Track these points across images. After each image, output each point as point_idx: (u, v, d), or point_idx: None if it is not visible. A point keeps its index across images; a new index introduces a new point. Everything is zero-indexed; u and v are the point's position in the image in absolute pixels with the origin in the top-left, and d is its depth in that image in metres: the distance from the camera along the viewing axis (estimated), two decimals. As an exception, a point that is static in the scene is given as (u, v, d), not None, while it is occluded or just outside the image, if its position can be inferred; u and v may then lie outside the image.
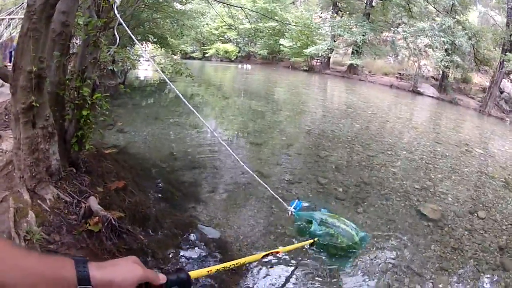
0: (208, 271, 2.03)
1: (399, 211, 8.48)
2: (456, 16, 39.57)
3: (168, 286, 1.39)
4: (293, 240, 6.53)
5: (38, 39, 4.32)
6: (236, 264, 2.49)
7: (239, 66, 50.32)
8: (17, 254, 1.06)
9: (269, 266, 5.68)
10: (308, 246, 4.63)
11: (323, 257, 6.07)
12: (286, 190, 8.75)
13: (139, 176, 8.12)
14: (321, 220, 5.32)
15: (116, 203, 5.73)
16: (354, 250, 5.85)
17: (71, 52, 5.96)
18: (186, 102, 4.85)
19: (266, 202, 7.92)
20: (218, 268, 2.15)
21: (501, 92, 35.68)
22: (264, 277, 5.50)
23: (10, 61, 14.24)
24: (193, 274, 1.80)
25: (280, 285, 5.44)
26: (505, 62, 32.83)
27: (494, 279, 6.58)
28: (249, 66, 49.92)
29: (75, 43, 7.82)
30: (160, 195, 7.65)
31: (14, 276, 1.00)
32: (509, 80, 37.82)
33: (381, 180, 10.22)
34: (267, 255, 3.12)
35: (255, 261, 3.55)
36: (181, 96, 5.31)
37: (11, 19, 12.81)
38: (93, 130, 6.04)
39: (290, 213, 5.22)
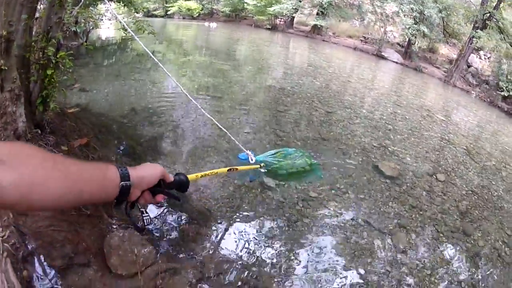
0: (196, 176, 2.28)
1: (357, 166, 8.41)
2: (427, -12, 39.67)
3: (173, 184, 1.79)
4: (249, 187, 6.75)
5: (9, 3, 4.41)
6: (212, 173, 2.84)
7: (206, 24, 49.88)
8: (70, 162, 1.28)
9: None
10: (262, 170, 4.55)
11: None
12: (244, 142, 8.30)
13: (101, 133, 8.07)
14: (272, 153, 5.20)
15: (79, 160, 5.50)
16: (306, 174, 5.74)
17: (36, 15, 5.77)
18: (152, 55, 4.82)
19: (226, 153, 7.94)
20: (202, 175, 2.50)
21: (469, 66, 36.07)
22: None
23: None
24: (190, 177, 2.00)
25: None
26: (474, 39, 33.17)
27: (454, 242, 6.57)
28: (214, 24, 49.51)
29: (40, 6, 7.66)
30: (121, 150, 7.64)
31: (74, 179, 1.23)
32: (478, 56, 38.24)
33: (339, 136, 10.15)
34: (230, 169, 3.15)
35: (222, 173, 3.81)
36: (147, 50, 5.49)
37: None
38: (57, 89, 6.05)
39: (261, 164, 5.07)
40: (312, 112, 11.97)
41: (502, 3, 34.11)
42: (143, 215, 1.73)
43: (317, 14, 49.11)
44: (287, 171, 4.97)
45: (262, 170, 4.76)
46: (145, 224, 1.73)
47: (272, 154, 5.16)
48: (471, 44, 34.00)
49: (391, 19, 44.39)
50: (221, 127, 5.42)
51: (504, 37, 33.78)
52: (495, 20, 33.62)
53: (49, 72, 5.53)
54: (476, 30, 33.46)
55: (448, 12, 39.42)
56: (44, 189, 1.11)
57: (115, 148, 7.60)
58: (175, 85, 13.73)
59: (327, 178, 7.45)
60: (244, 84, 15.13)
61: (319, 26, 47.92)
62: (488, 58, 38.39)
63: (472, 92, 31.66)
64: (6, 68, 4.49)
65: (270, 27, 51.94)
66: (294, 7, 49.64)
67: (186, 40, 32.85)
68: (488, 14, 33.58)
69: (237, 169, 3.67)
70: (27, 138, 5.13)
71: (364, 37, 45.88)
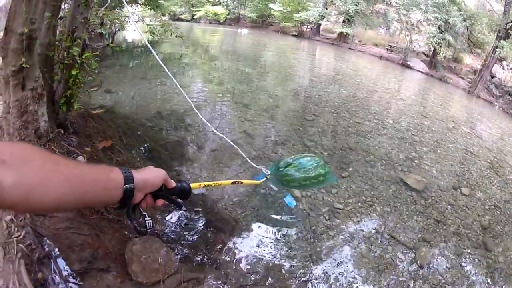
0: (199, 185, 2.31)
1: (383, 178, 8.42)
2: (452, -4, 39.49)
3: (174, 190, 1.83)
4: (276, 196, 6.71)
5: (31, 1, 4.28)
6: (216, 184, 2.84)
7: (238, 30, 49.89)
8: (72, 164, 1.31)
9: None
10: (265, 179, 4.57)
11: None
12: (271, 151, 8.71)
13: (126, 136, 8.08)
14: (286, 162, 5.24)
15: (103, 162, 5.70)
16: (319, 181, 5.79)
17: (61, 14, 5.83)
18: (159, 60, 4.65)
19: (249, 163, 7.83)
20: (206, 185, 2.55)
21: (492, 77, 35.82)
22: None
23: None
24: (192, 186, 2.03)
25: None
26: (497, 49, 32.95)
27: (476, 258, 6.54)
28: (246, 30, 49.59)
29: (65, 6, 7.75)
30: (146, 154, 7.68)
31: (76, 180, 1.26)
32: (501, 66, 37.96)
33: (366, 147, 10.13)
34: (234, 182, 3.22)
35: (226, 185, 3.85)
36: (156, 55, 5.32)
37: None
38: (81, 90, 6.06)
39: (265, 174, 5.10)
40: (340, 122, 11.98)
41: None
42: (145, 219, 1.77)
43: (343, 21, 49.22)
44: (300, 184, 5.01)
45: (270, 184, 4.80)
46: (147, 228, 1.79)
47: (286, 166, 5.19)
48: (494, 54, 33.79)
49: (416, 27, 44.26)
50: (232, 143, 5.40)
51: (527, 47, 33.54)
52: (518, 29, 33.42)
53: (74, 72, 5.56)
54: (500, 40, 33.24)
55: (472, 21, 39.22)
56: (44, 190, 1.15)
57: (140, 151, 7.66)
58: (203, 90, 13.86)
59: (354, 190, 7.48)
60: (270, 91, 15.16)
61: (345, 34, 48.00)
62: (511, 68, 38.14)
63: (496, 103, 31.41)
64: (28, 66, 4.49)
65: (296, 33, 52.11)
66: (320, 14, 49.73)
67: (213, 45, 32.78)
68: (510, 24, 33.36)
69: (241, 182, 3.71)
70: (49, 137, 5.15)
71: (390, 46, 45.76)
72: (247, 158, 4.86)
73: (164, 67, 4.74)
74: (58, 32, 5.67)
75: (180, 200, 1.97)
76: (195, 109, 5.10)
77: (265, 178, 4.55)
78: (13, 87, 4.51)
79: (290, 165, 5.02)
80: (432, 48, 40.93)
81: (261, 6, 59.16)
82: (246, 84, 16.06)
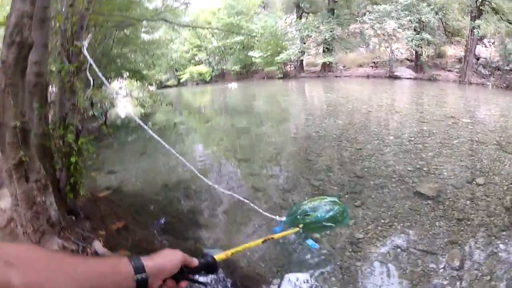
0: (225, 255, 2.20)
1: (397, 196, 8.43)
2: (420, -7, 39.91)
3: (198, 268, 1.72)
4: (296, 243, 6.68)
5: (17, 94, 4.33)
6: (245, 247, 2.71)
7: (228, 85, 50.28)
8: (78, 261, 1.29)
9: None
10: (300, 231, 4.56)
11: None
12: (282, 199, 8.77)
13: (137, 213, 8.17)
14: (304, 211, 5.23)
15: (120, 243, 5.79)
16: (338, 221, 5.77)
17: (49, 101, 5.93)
18: (154, 135, 4.78)
19: (264, 216, 7.79)
20: (233, 252, 2.38)
21: (477, 59, 36.00)
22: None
23: None
24: (218, 257, 1.96)
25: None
26: (475, 30, 33.17)
27: (507, 240, 6.51)
28: (235, 84, 50.00)
29: (52, 91, 7.89)
30: (161, 228, 7.64)
31: (82, 278, 1.22)
32: (483, 45, 38.13)
33: (373, 170, 10.17)
34: (265, 240, 3.21)
35: (257, 245, 3.83)
36: (149, 130, 5.34)
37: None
38: (84, 176, 6.07)
39: (280, 222, 5.13)
40: (342, 153, 12.08)
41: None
42: None
43: (324, 51, 49.82)
44: (324, 224, 4.99)
45: (301, 232, 4.84)
46: None
47: (302, 211, 5.18)
48: (473, 36, 34.03)
49: (394, 36, 44.48)
50: (243, 199, 5.45)
51: (500, 17, 33.77)
52: (487, 2, 33.67)
53: (73, 159, 5.59)
54: (474, 20, 33.50)
55: (444, 12, 39.51)
56: None
57: (154, 227, 7.66)
58: (204, 154, 14.15)
59: (370, 216, 7.51)
60: (269, 139, 15.43)
61: (328, 63, 48.53)
62: (492, 43, 38.34)
63: (488, 83, 31.61)
64: (28, 159, 4.52)
65: (282, 75, 52.60)
66: (300, 50, 50.37)
67: (205, 106, 33.65)
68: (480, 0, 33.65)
69: (273, 238, 3.72)
70: (62, 225, 5.13)
71: (374, 62, 46.15)
72: (261, 210, 5.01)
73: (161, 140, 4.88)
74: (50, 120, 5.79)
75: (204, 279, 1.91)
76: (199, 175, 5.21)
77: (297, 230, 4.58)
78: (17, 180, 4.55)
79: (306, 211, 5.05)
80: (414, 51, 41.18)
81: (241, 56, 59.87)
82: (244, 138, 16.35)
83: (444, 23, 40.98)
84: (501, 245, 6.35)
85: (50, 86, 6.72)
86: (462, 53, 37.63)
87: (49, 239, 4.75)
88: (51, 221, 4.86)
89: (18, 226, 4.82)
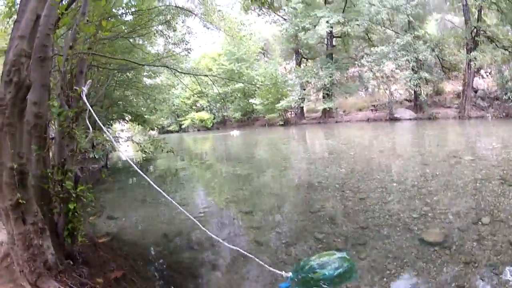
0: None
1: (403, 245, 8.33)
2: (415, 32, 40.50)
3: None
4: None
5: (14, 134, 4.31)
6: None
7: (231, 133, 50.67)
8: None
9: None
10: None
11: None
12: (285, 254, 8.62)
13: (136, 263, 8.04)
14: (311, 267, 5.13)
15: None
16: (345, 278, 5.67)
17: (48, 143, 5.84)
18: (156, 186, 4.74)
19: (268, 271, 7.66)
20: None
21: (476, 91, 36.46)
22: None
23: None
24: None
25: None
26: (471, 62, 33.52)
27: None
28: (237, 132, 50.50)
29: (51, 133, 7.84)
30: (161, 280, 7.63)
31: None
32: (480, 77, 38.49)
33: (377, 220, 10.08)
34: None
35: None
36: (151, 181, 5.36)
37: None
38: (82, 222, 5.94)
39: (287, 278, 5.04)
40: (346, 204, 11.96)
41: (482, 11, 34.68)
42: None
43: (323, 97, 50.71)
44: (326, 284, 4.90)
45: None
46: None
47: (308, 268, 5.08)
48: (470, 69, 34.43)
49: (392, 77, 45.08)
50: (246, 253, 5.39)
51: (496, 44, 34.25)
52: (482, 32, 34.15)
53: (71, 206, 5.47)
54: (470, 53, 33.88)
55: (440, 48, 40.28)
56: None
57: (153, 278, 7.61)
58: (206, 203, 14.31)
59: (376, 268, 7.40)
60: (271, 190, 15.37)
61: (328, 109, 49.29)
62: (489, 73, 38.82)
63: (487, 114, 32.10)
64: (25, 201, 4.45)
65: (282, 122, 53.94)
66: (300, 97, 51.53)
67: (206, 153, 33.87)
68: (475, 30, 34.15)
69: None
70: (59, 269, 4.98)
71: (374, 106, 46.98)
72: (266, 265, 4.83)
73: (161, 191, 4.78)
74: (49, 162, 5.72)
75: None
76: (202, 227, 5.14)
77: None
78: (14, 221, 4.48)
79: (314, 267, 4.96)
80: (413, 92, 41.59)
81: (242, 104, 60.64)
82: (246, 188, 16.24)
83: (440, 59, 41.71)
84: (511, 283, 6.29)
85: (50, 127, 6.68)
86: (460, 88, 38.19)
87: (45, 281, 4.66)
88: (48, 264, 4.76)
89: (15, 263, 4.77)
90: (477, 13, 35.93)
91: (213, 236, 5.69)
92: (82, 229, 5.90)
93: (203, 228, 5.28)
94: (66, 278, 5.00)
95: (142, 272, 7.60)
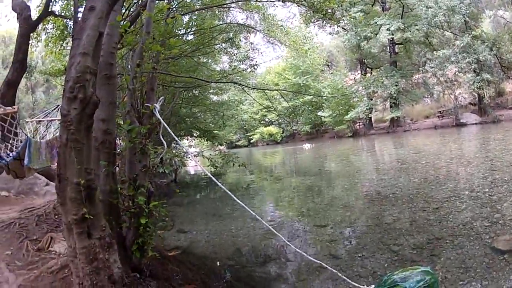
0: None
1: (475, 255, 8.40)
2: (472, 32, 40.02)
3: None
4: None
5: (81, 150, 4.36)
6: None
7: (303, 146, 50.87)
8: None
9: None
10: None
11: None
12: (361, 267, 8.78)
13: (207, 277, 8.23)
14: (393, 281, 5.40)
15: None
16: None
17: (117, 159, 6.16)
18: (226, 190, 4.99)
19: (343, 285, 7.73)
20: None
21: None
22: None
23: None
24: None
25: None
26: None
27: None
28: (309, 145, 50.48)
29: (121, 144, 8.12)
30: None
31: None
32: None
33: (451, 230, 10.11)
34: None
35: None
36: (229, 192, 5.47)
37: (50, 120, 12.90)
38: (154, 237, 6.07)
39: None
40: (420, 214, 11.99)
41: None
42: None
43: (391, 106, 50.34)
44: None
45: None
46: None
47: (390, 282, 5.35)
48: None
49: (456, 81, 44.51)
50: (332, 269, 5.59)
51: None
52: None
53: (143, 221, 5.50)
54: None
55: (497, 46, 39.47)
56: None
57: None
58: (275, 216, 14.43)
59: (449, 279, 7.57)
60: (343, 202, 15.40)
61: (396, 118, 48.85)
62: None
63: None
64: (92, 216, 4.42)
65: (351, 134, 54.13)
66: (367, 107, 51.03)
67: (276, 166, 34.26)
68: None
69: None
70: (124, 282, 4.91)
71: (440, 112, 46.22)
72: (348, 279, 5.08)
73: (239, 201, 5.07)
74: (118, 178, 5.93)
75: None
76: (286, 241, 5.35)
77: None
78: (78, 235, 4.44)
79: (396, 281, 5.06)
80: (476, 95, 41.02)
81: (311, 117, 60.65)
82: (317, 200, 16.55)
83: (499, 58, 40.78)
84: None
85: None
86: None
87: (106, 294, 4.63)
88: (112, 278, 4.71)
89: (73, 276, 4.71)
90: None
91: (297, 249, 6.01)
92: (152, 243, 6.03)
93: (287, 242, 5.57)
94: (131, 290, 5.08)
95: (213, 285, 7.90)
